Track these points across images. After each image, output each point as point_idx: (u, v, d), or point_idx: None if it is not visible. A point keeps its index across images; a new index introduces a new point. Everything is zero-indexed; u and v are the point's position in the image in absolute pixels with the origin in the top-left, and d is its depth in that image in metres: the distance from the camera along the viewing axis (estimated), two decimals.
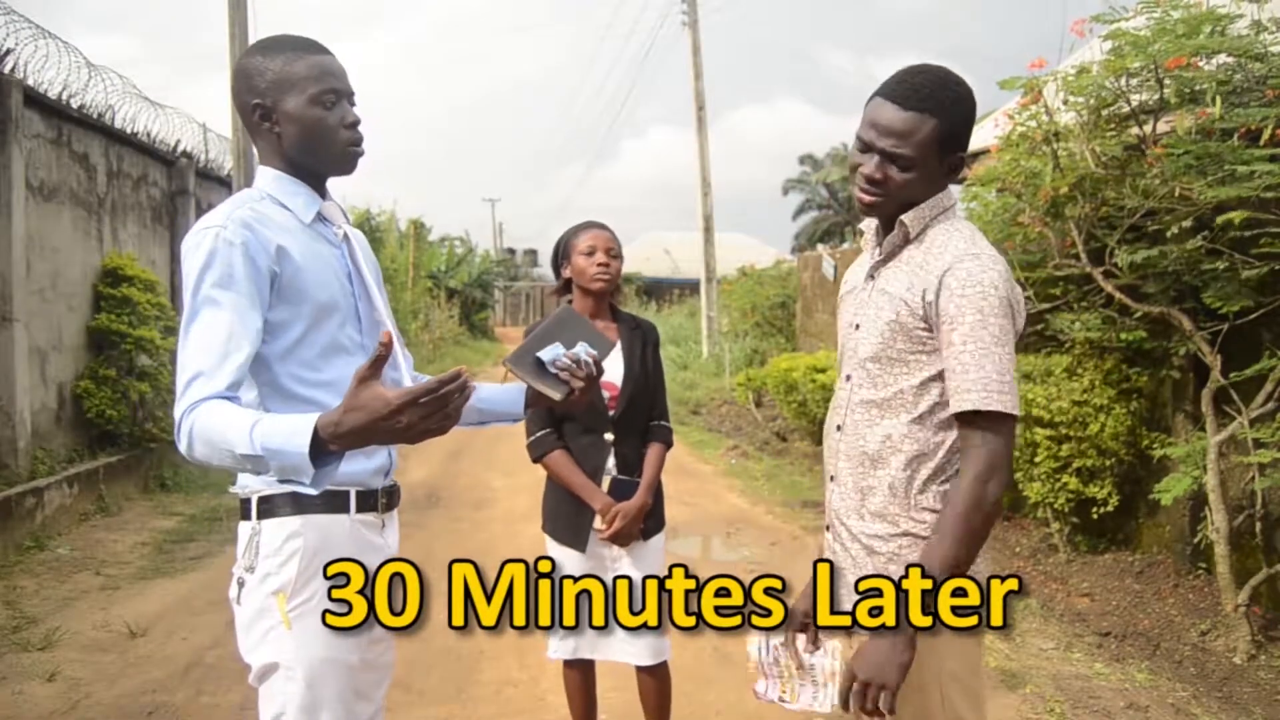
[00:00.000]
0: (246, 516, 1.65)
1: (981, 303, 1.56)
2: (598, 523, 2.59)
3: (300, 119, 1.64)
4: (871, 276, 1.75)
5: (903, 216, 1.69)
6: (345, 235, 1.76)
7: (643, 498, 2.59)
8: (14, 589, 4.59)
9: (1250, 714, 3.37)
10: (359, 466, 1.68)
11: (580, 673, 2.73)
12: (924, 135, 1.60)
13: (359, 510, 1.68)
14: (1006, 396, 1.56)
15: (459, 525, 6.16)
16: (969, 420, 1.58)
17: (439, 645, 3.96)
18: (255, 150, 1.73)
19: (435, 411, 1.33)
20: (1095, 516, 4.97)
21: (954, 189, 1.73)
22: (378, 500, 1.72)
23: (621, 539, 2.56)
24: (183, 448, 1.48)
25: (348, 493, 1.67)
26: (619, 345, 2.66)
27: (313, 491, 1.42)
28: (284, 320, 1.61)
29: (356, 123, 1.70)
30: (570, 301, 2.72)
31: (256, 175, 1.72)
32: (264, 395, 1.63)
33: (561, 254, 2.73)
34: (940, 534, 1.57)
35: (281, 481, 1.44)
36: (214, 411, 1.45)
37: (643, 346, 2.69)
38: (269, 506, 1.63)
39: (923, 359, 1.63)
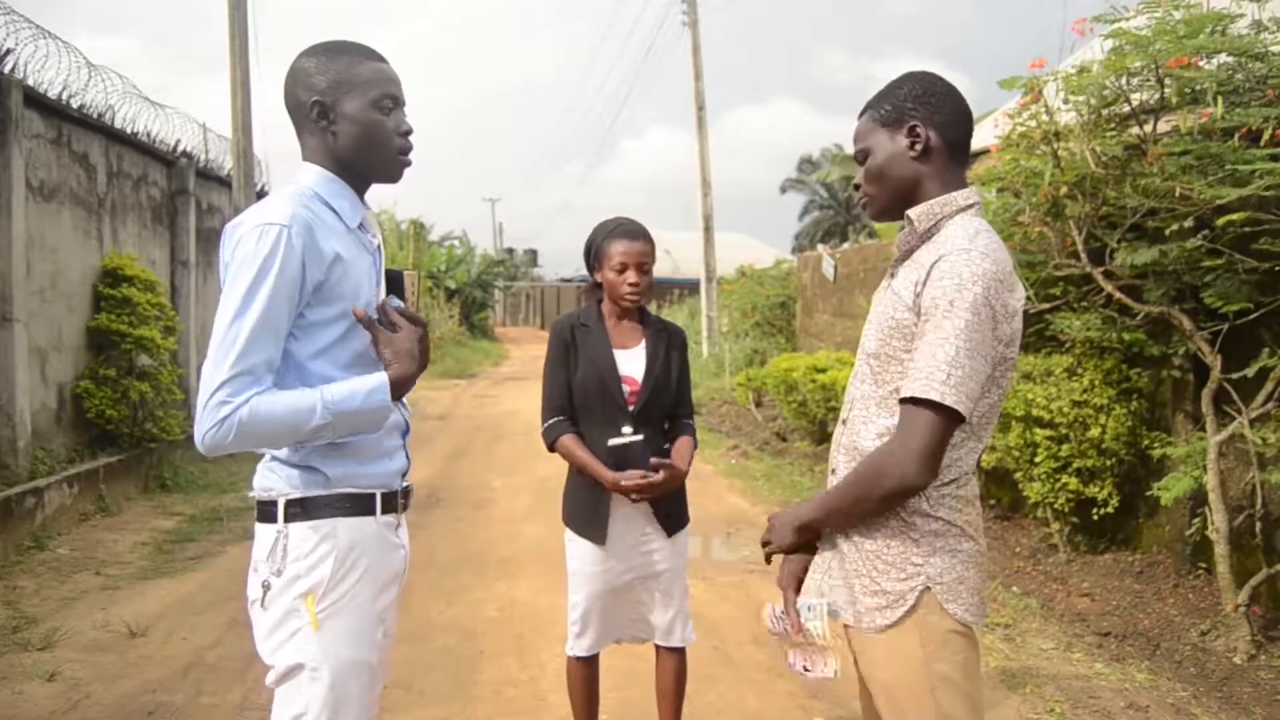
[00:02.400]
0: (269, 519, 1.66)
1: (955, 294, 1.53)
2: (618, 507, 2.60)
3: (359, 120, 1.67)
4: (891, 275, 1.75)
5: (909, 211, 1.69)
6: (379, 245, 1.80)
7: (677, 474, 2.57)
8: (14, 589, 4.59)
9: (1250, 714, 3.37)
10: (383, 468, 1.74)
11: (586, 668, 2.75)
12: (867, 126, 1.74)
13: (383, 512, 1.73)
14: (948, 388, 1.51)
15: (459, 525, 6.16)
16: (909, 403, 1.55)
17: (439, 645, 3.96)
18: (301, 147, 1.74)
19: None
20: (1095, 516, 4.97)
21: (972, 190, 1.70)
22: (397, 501, 1.78)
23: (643, 493, 2.54)
24: (218, 437, 1.51)
25: (374, 495, 1.71)
26: (643, 345, 2.68)
27: (373, 434, 1.68)
28: (326, 319, 1.65)
29: (410, 132, 1.74)
30: (600, 301, 2.72)
31: (301, 171, 1.72)
32: (299, 382, 1.64)
33: (594, 255, 2.70)
34: (833, 486, 1.69)
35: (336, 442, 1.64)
36: (264, 401, 1.53)
37: (667, 349, 2.70)
38: (298, 510, 1.65)
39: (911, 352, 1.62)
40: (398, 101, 1.72)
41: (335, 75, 1.67)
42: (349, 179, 1.73)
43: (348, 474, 1.68)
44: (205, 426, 1.52)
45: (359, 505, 1.69)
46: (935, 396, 1.51)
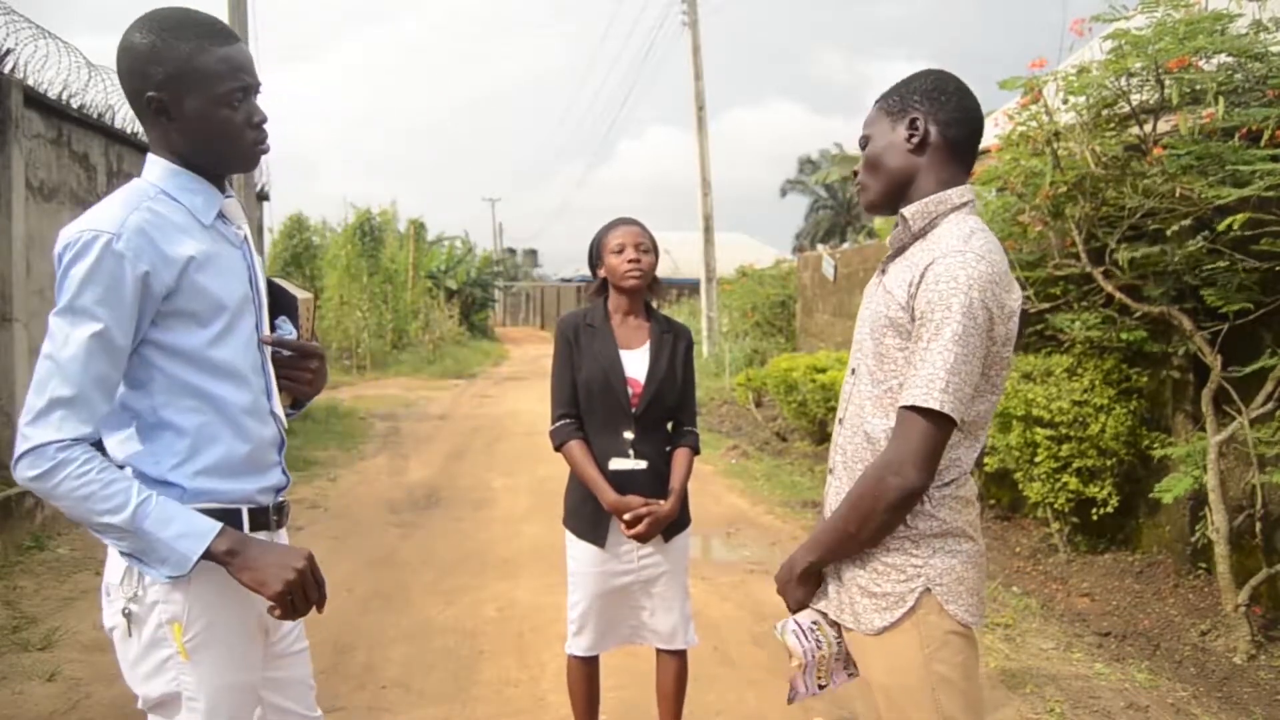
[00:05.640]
0: None
1: (951, 299, 1.53)
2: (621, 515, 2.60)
3: (204, 120, 1.51)
4: (883, 271, 1.74)
5: (903, 210, 1.69)
6: (245, 236, 1.66)
7: (674, 505, 2.60)
8: (14, 589, 4.58)
9: (1250, 714, 3.37)
10: (253, 484, 1.59)
11: (586, 668, 2.74)
12: (874, 114, 1.76)
13: (252, 530, 1.58)
14: (947, 396, 1.51)
15: (459, 525, 6.16)
16: (908, 410, 1.56)
17: (439, 645, 3.96)
18: (145, 133, 1.57)
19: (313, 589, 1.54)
20: (1095, 516, 4.97)
21: (967, 188, 1.70)
22: (269, 518, 1.63)
23: (642, 539, 2.59)
24: (34, 474, 1.39)
25: (239, 510, 1.57)
26: (648, 345, 2.68)
27: (164, 576, 1.46)
28: (187, 328, 1.51)
29: (264, 120, 1.58)
30: (605, 300, 2.72)
31: (147, 165, 1.56)
32: (163, 389, 1.51)
33: (595, 254, 2.73)
34: (832, 513, 1.69)
35: (124, 554, 1.48)
36: (87, 466, 1.40)
37: (672, 348, 2.70)
38: None
39: (908, 355, 1.61)
40: (249, 90, 1.54)
41: (174, 66, 1.47)
42: (200, 171, 1.57)
43: (208, 489, 1.52)
44: (19, 451, 1.39)
45: (221, 522, 1.51)
46: (935, 405, 1.52)
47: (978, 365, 1.55)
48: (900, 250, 1.71)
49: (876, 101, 1.77)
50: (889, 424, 1.63)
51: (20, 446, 1.40)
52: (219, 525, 1.47)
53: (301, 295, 1.78)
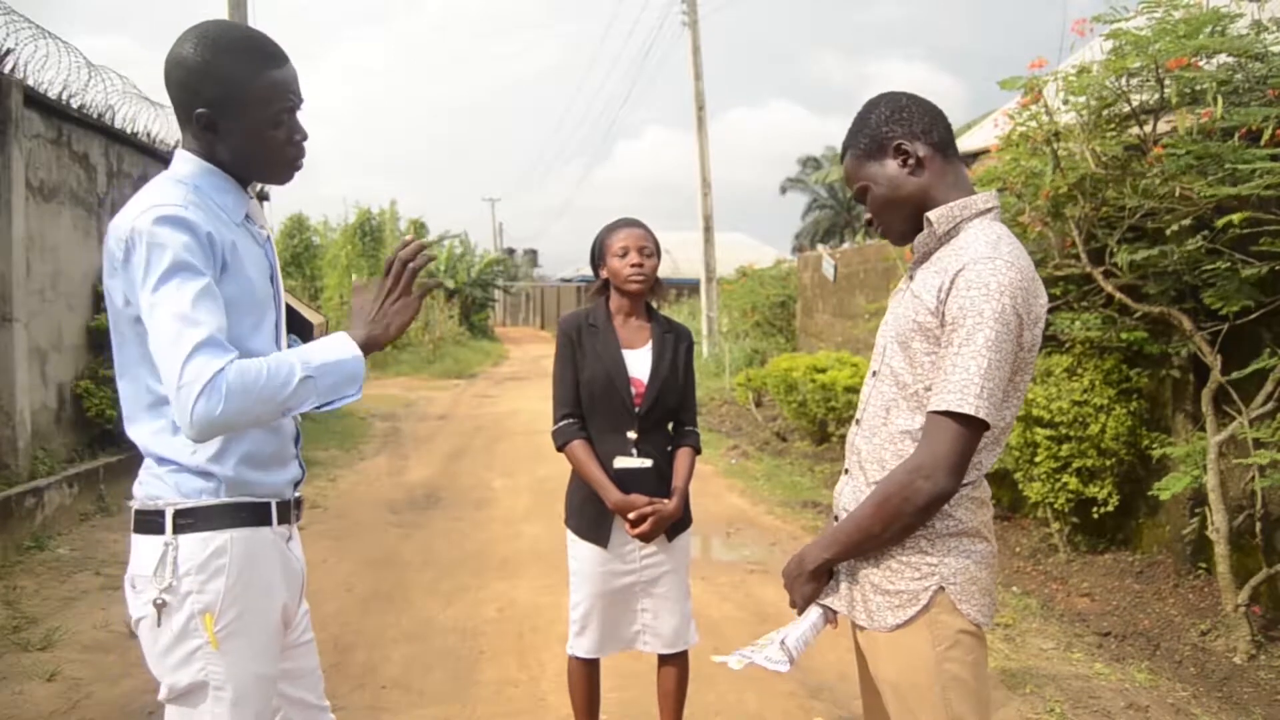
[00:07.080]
0: (154, 530, 1.56)
1: (983, 305, 1.53)
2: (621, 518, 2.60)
3: (251, 138, 1.58)
4: (910, 277, 1.75)
5: (928, 214, 1.69)
6: (269, 236, 1.73)
7: (678, 504, 2.61)
8: (14, 589, 4.58)
9: (1250, 714, 3.37)
10: (279, 477, 1.67)
11: (587, 668, 2.74)
12: (854, 164, 1.77)
13: (279, 523, 1.66)
14: (982, 401, 1.52)
15: (459, 525, 6.16)
16: (941, 415, 1.56)
17: (439, 645, 3.96)
18: (181, 133, 1.63)
19: (407, 283, 1.66)
20: (1095, 516, 4.98)
21: (992, 194, 1.71)
22: (290, 512, 1.70)
23: (646, 538, 2.59)
24: (220, 410, 1.40)
25: (269, 504, 1.63)
26: (650, 345, 2.68)
27: (356, 394, 1.58)
28: (238, 303, 1.57)
29: (304, 138, 1.65)
30: (607, 300, 2.73)
31: (179, 161, 1.61)
32: None
33: (597, 255, 2.73)
34: (854, 509, 1.66)
35: (320, 407, 1.56)
36: (246, 365, 1.44)
37: (674, 349, 2.70)
38: (190, 520, 1.55)
39: (938, 360, 1.61)
40: (294, 110, 1.61)
41: (226, 88, 1.54)
42: (232, 174, 1.64)
43: (243, 481, 1.59)
44: (190, 402, 1.39)
45: (254, 515, 1.60)
46: (970, 410, 1.52)
47: (1008, 371, 1.56)
48: (926, 256, 1.71)
49: (846, 152, 1.78)
50: (913, 425, 1.64)
51: (189, 397, 1.39)
52: (340, 333, 1.59)
53: (315, 319, 1.83)
